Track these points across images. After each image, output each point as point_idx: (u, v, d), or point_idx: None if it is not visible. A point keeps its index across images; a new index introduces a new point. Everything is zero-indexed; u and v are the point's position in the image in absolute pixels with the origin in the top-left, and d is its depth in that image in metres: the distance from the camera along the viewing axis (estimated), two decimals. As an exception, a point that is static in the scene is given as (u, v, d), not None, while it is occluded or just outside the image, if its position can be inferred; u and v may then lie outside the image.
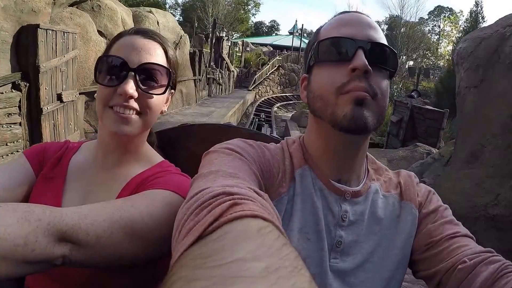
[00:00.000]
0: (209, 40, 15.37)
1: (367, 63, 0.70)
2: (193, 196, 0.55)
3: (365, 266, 0.78)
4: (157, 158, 0.99)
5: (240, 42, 24.99)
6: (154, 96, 0.86)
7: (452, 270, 0.71)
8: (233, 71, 17.83)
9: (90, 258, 0.66)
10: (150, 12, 7.93)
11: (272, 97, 20.66)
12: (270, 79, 21.70)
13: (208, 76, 12.97)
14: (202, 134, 1.26)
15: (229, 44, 18.46)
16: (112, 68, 0.85)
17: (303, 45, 33.57)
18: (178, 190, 0.82)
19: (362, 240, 0.78)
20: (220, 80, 14.99)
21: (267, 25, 63.85)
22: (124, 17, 6.51)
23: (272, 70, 21.98)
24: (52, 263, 0.61)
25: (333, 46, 0.76)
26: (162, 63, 0.87)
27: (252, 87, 19.64)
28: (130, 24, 6.56)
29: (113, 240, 0.68)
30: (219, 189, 0.53)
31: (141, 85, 0.84)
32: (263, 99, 19.54)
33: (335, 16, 0.84)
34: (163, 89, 0.87)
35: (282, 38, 42.97)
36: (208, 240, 0.42)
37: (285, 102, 20.57)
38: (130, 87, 0.82)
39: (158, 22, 7.95)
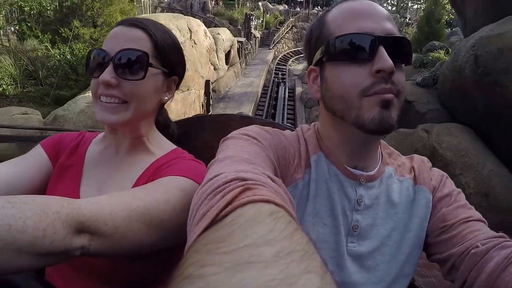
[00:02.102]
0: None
1: (392, 63, 0.69)
2: (208, 181, 0.57)
3: (382, 250, 0.80)
4: (170, 145, 1.03)
5: (261, 7, 30.95)
6: (135, 82, 0.87)
7: (465, 255, 0.72)
8: (257, 36, 24.57)
9: (109, 248, 0.68)
10: (218, 34, 15.13)
11: (287, 53, 27.07)
12: (285, 37, 28.15)
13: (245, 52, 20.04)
14: (216, 124, 1.33)
15: (254, 16, 24.98)
16: (96, 60, 0.89)
17: None
18: (193, 176, 0.85)
19: (378, 223, 0.80)
20: (251, 50, 22.02)
21: None
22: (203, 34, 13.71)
23: (287, 30, 28.46)
24: (71, 254, 0.63)
25: (351, 44, 0.72)
26: (142, 48, 0.88)
27: (272, 46, 26.08)
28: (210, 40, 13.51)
29: (132, 228, 0.70)
30: (232, 175, 0.55)
31: (119, 73, 0.86)
32: (280, 55, 25.95)
33: (342, 3, 0.79)
34: (142, 74, 0.87)
35: None
36: (220, 225, 0.44)
37: (297, 56, 26.96)
38: (107, 75, 0.85)
39: (223, 39, 15.16)
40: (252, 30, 22.51)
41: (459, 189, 0.86)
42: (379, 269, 0.80)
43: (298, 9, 34.42)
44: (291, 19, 29.74)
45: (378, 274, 0.80)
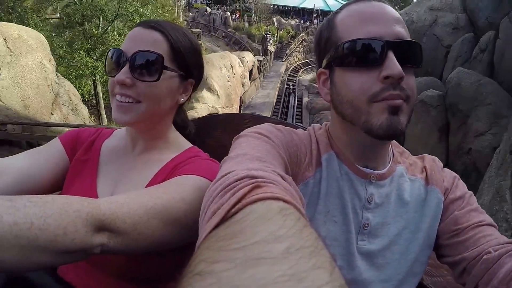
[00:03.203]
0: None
1: (401, 69, 0.69)
2: (219, 179, 0.58)
3: (392, 248, 0.81)
4: (186, 144, 1.04)
5: (275, 22, 35.71)
6: (149, 83, 0.90)
7: (478, 260, 0.73)
8: (272, 51, 29.25)
9: (127, 245, 0.70)
10: (244, 57, 19.85)
11: (297, 64, 31.53)
12: (296, 51, 32.73)
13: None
14: (229, 123, 1.36)
15: (270, 35, 29.67)
16: (114, 60, 0.92)
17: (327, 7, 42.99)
18: (208, 175, 0.87)
19: (389, 222, 0.81)
20: (267, 64, 26.72)
21: None
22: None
23: (298, 44, 33.11)
24: (92, 252, 0.65)
25: (360, 49, 0.73)
26: (159, 50, 0.91)
27: (284, 59, 30.72)
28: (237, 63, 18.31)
29: (149, 226, 0.72)
30: (243, 173, 0.56)
31: (133, 73, 0.88)
32: (292, 67, 30.44)
33: (352, 4, 0.78)
34: (156, 76, 0.90)
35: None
36: (231, 222, 0.45)
37: (306, 67, 31.36)
38: (122, 75, 0.88)
39: (247, 61, 19.89)
40: (268, 47, 27.27)
41: (471, 192, 0.87)
42: (389, 268, 0.80)
43: (308, 23, 38.88)
44: (301, 34, 34.16)
45: (388, 273, 0.80)
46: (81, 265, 0.92)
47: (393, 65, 0.69)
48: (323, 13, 41.53)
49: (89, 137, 1.05)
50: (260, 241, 0.35)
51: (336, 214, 0.80)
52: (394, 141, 0.88)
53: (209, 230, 0.45)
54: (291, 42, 33.17)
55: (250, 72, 20.12)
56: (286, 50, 31.90)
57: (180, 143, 1.04)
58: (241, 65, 16.89)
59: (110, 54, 0.94)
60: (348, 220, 0.79)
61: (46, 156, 0.98)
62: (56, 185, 0.99)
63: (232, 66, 14.63)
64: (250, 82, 20.13)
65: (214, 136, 1.33)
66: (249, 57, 19.99)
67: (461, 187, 0.87)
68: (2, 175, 0.88)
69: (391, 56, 0.70)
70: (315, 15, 40.73)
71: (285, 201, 0.47)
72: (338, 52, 0.75)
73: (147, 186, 0.92)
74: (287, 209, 0.44)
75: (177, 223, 0.77)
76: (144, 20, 0.99)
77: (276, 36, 32.58)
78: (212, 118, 1.44)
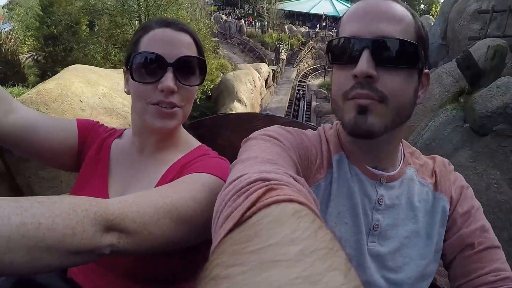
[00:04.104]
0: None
1: (366, 68, 0.70)
2: (231, 182, 0.59)
3: (402, 251, 0.82)
4: (195, 142, 1.06)
5: (287, 29, 39.17)
6: (192, 88, 0.93)
7: None
8: (284, 59, 32.76)
9: (138, 245, 0.69)
10: (261, 68, 23.49)
11: (307, 70, 34.88)
12: (306, 57, 36.12)
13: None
14: (239, 123, 1.37)
15: (282, 45, 33.21)
16: (149, 65, 0.88)
17: (335, 12, 46.28)
18: (218, 172, 0.87)
19: (399, 224, 0.83)
20: (279, 71, 30.27)
21: None
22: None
23: (308, 51, 36.62)
24: (101, 252, 0.64)
25: (340, 47, 0.76)
26: (196, 54, 0.94)
27: (295, 65, 34.07)
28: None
29: (160, 225, 0.71)
30: (255, 175, 0.56)
31: (180, 79, 0.89)
32: (302, 73, 33.76)
33: (355, 3, 0.80)
34: (200, 80, 0.93)
35: (319, 3, 49.91)
36: (245, 226, 0.45)
37: (315, 73, 34.70)
38: (170, 82, 0.87)
39: (263, 71, 23.52)
40: (280, 56, 30.86)
41: (479, 204, 0.88)
42: (400, 271, 0.81)
43: (318, 29, 42.22)
44: (311, 42, 37.52)
45: (399, 276, 0.81)
46: (90, 266, 0.93)
47: (361, 63, 0.70)
48: (333, 18, 44.83)
49: (103, 133, 1.07)
50: (275, 244, 0.35)
51: (347, 215, 0.80)
52: (405, 142, 0.90)
53: (224, 234, 0.45)
54: (302, 49, 36.58)
55: (266, 81, 23.78)
56: (297, 57, 35.27)
57: (189, 142, 1.05)
58: (260, 77, 20.55)
59: (141, 58, 0.90)
60: (358, 221, 0.80)
61: (58, 125, 1.00)
62: (53, 155, 1.01)
63: (254, 81, 18.29)
64: (266, 90, 23.80)
65: (224, 136, 1.35)
66: (264, 68, 23.54)
67: (469, 200, 0.88)
68: (14, 112, 0.92)
69: (364, 54, 0.70)
70: (324, 22, 43.66)
71: (299, 202, 0.47)
72: (327, 50, 0.80)
73: (157, 185, 0.92)
74: (302, 210, 0.44)
75: (188, 222, 0.77)
76: (165, 19, 0.96)
77: (288, 44, 35.90)
78: (222, 118, 1.44)
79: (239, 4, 50.58)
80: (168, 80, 0.87)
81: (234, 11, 48.97)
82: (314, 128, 0.99)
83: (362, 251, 0.80)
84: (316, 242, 0.36)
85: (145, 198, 0.73)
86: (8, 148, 0.99)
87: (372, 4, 0.75)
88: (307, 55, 36.67)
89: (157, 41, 0.91)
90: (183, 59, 0.90)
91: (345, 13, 0.81)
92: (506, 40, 7.66)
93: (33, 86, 12.29)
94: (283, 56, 32.35)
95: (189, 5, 18.42)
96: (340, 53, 0.76)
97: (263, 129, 0.81)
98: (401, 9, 0.75)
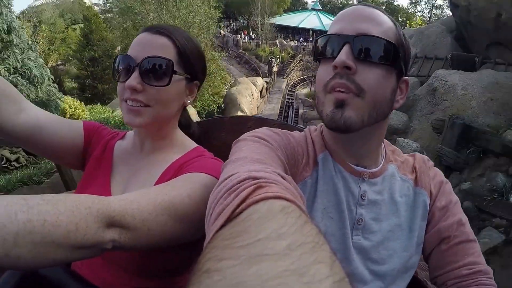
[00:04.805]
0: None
1: (345, 59, 0.75)
2: (222, 181, 0.62)
3: (386, 244, 0.86)
4: (191, 144, 1.11)
5: (278, 44, 43.70)
6: (159, 88, 0.94)
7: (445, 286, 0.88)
8: (275, 71, 37.59)
9: (137, 240, 0.73)
10: (256, 81, 28.34)
11: (296, 81, 39.28)
12: (295, 69, 40.69)
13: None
14: (234, 125, 1.44)
15: (274, 59, 38.14)
16: (123, 66, 0.95)
17: (323, 26, 50.95)
18: (213, 172, 0.91)
19: (382, 218, 0.87)
20: (271, 82, 35.16)
21: None
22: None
23: (296, 63, 41.45)
24: (104, 247, 0.68)
25: (324, 44, 0.82)
26: (167, 55, 0.95)
27: (285, 76, 38.63)
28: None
29: (158, 222, 0.76)
30: (245, 174, 0.59)
31: (145, 79, 0.93)
32: (291, 83, 38.15)
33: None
34: (166, 81, 0.94)
35: (307, 17, 52.80)
36: (235, 222, 0.47)
37: (303, 83, 39.04)
38: (133, 81, 0.91)
39: (259, 84, 28.35)
40: (273, 69, 35.83)
41: (457, 199, 0.94)
42: (383, 263, 0.85)
43: (305, 43, 46.59)
44: (299, 55, 42.21)
45: (382, 268, 0.85)
46: (95, 261, 0.96)
47: (340, 55, 0.75)
48: (320, 32, 49.11)
49: (107, 136, 1.13)
50: (264, 238, 0.37)
51: (332, 210, 0.84)
52: (386, 140, 0.93)
53: (215, 230, 0.47)
54: (291, 62, 41.28)
55: (261, 92, 28.69)
56: (287, 68, 39.93)
57: (186, 144, 1.10)
58: (256, 90, 25.23)
59: (118, 60, 0.97)
60: (343, 216, 0.84)
61: (65, 126, 1.05)
62: (59, 153, 1.06)
63: (252, 94, 23.05)
64: (261, 99, 28.73)
65: (219, 137, 1.40)
66: (260, 81, 28.24)
67: (447, 194, 0.94)
68: (24, 112, 0.97)
69: (344, 49, 0.75)
70: (311, 37, 48.16)
71: (286, 199, 0.49)
72: (314, 47, 0.86)
73: (155, 184, 0.97)
74: (289, 207, 0.46)
75: (185, 219, 0.80)
76: (150, 25, 1.02)
77: (279, 57, 40.61)
78: (218, 121, 1.49)
79: (234, 17, 54.73)
80: (131, 79, 0.92)
81: (230, 23, 53.13)
82: (301, 130, 1.02)
83: (347, 244, 0.83)
84: (303, 236, 0.38)
85: (144, 196, 0.77)
86: (18, 145, 1.14)
87: (357, 9, 0.81)
88: (296, 67, 41.42)
89: (133, 44, 0.97)
90: (147, 59, 0.93)
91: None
92: (418, 78, 12.02)
93: (79, 97, 16.70)
94: (275, 68, 37.13)
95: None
96: (323, 49, 0.81)
97: (252, 131, 0.85)
98: (383, 16, 0.81)
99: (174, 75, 0.97)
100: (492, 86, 8.63)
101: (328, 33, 0.82)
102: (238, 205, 0.50)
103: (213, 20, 20.75)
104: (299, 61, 42.34)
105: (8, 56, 10.24)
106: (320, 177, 0.86)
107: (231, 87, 24.42)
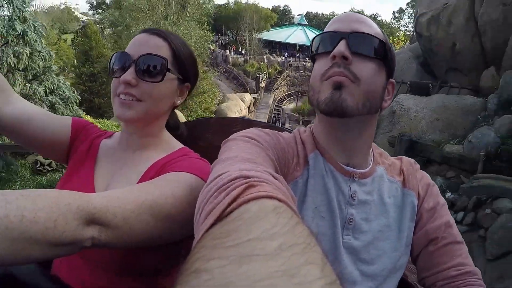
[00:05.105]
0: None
1: (343, 50, 0.80)
2: (212, 180, 0.61)
3: (376, 244, 0.87)
4: (178, 144, 1.12)
5: (265, 59, 44.88)
6: (152, 83, 0.97)
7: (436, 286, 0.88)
8: (263, 86, 39.08)
9: (118, 239, 0.72)
10: (244, 97, 29.90)
11: (282, 96, 40.67)
12: (282, 84, 41.96)
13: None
14: (220, 127, 1.45)
15: (261, 75, 39.57)
16: (119, 62, 0.99)
17: (308, 42, 51.96)
18: (199, 172, 0.91)
19: (372, 218, 0.88)
20: (259, 97, 36.65)
21: (281, 9, 72.76)
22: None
23: (283, 79, 42.75)
24: (83, 245, 0.67)
25: (321, 40, 0.88)
26: (162, 55, 0.99)
27: (272, 92, 39.83)
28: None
29: (140, 221, 0.75)
30: (236, 173, 0.59)
31: (140, 74, 0.96)
32: (278, 98, 39.43)
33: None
34: (159, 77, 0.98)
35: (293, 32, 54.23)
36: (226, 221, 0.47)
37: (289, 98, 40.43)
38: (128, 75, 0.94)
39: (247, 100, 30.00)
40: (260, 85, 37.45)
41: (444, 201, 0.96)
42: (373, 263, 0.86)
43: (291, 59, 47.49)
44: (286, 71, 43.48)
45: (372, 268, 0.86)
46: (74, 261, 0.95)
47: (338, 47, 0.81)
48: (307, 47, 49.10)
49: (95, 133, 1.14)
50: (254, 238, 0.37)
51: (323, 210, 0.84)
52: (374, 144, 0.97)
53: (205, 229, 0.47)
54: (278, 77, 42.55)
55: (249, 107, 30.40)
56: (274, 84, 41.23)
57: (172, 144, 1.11)
58: (244, 106, 26.68)
59: (115, 57, 1.01)
60: (334, 215, 0.84)
61: (52, 120, 1.07)
62: (45, 146, 1.08)
63: (240, 110, 24.67)
64: (249, 115, 30.30)
65: (205, 139, 1.40)
66: (248, 97, 29.87)
67: (435, 196, 0.96)
68: (12, 104, 1.00)
69: (341, 43, 0.82)
70: (298, 53, 49.61)
71: (278, 199, 0.49)
72: (311, 46, 0.91)
73: (139, 182, 0.97)
74: (280, 207, 0.46)
75: (168, 219, 0.80)
76: (147, 27, 1.09)
77: (266, 73, 41.85)
78: (204, 122, 1.49)
79: (223, 31, 55.63)
80: (127, 74, 0.95)
81: (219, 38, 53.88)
82: (289, 132, 1.03)
83: (337, 244, 0.84)
84: (294, 237, 0.37)
85: (127, 194, 0.76)
86: (5, 136, 1.14)
87: (350, 13, 0.90)
88: (283, 82, 42.78)
89: (131, 43, 1.02)
90: (143, 57, 0.97)
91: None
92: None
93: (87, 112, 18.08)
94: (262, 84, 38.45)
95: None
96: (321, 44, 0.87)
97: (242, 131, 0.85)
98: (373, 22, 0.90)
99: (167, 73, 1.00)
100: (440, 108, 10.57)
101: (323, 31, 0.89)
102: (229, 204, 0.50)
103: (207, 42, 22.42)
104: (286, 77, 43.71)
105: (47, 79, 12.66)
106: (310, 176, 0.87)
107: (220, 103, 26.01)
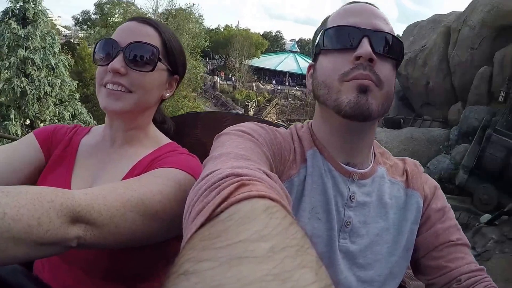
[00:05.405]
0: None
1: (371, 51, 0.76)
2: (203, 178, 0.59)
3: (373, 248, 0.85)
4: (165, 139, 1.08)
5: (255, 87, 44.84)
6: (142, 73, 0.94)
7: (447, 287, 0.84)
8: (251, 115, 39.15)
9: (104, 238, 0.70)
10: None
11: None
12: (271, 113, 41.70)
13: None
14: (210, 122, 1.38)
15: (250, 103, 39.58)
16: (106, 49, 0.95)
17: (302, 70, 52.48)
18: (187, 168, 0.89)
19: (370, 221, 0.85)
20: None
21: (273, 35, 73.01)
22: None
23: (272, 107, 42.68)
24: (68, 244, 0.65)
25: (338, 34, 0.81)
26: (158, 44, 0.96)
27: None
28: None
29: (126, 219, 0.72)
30: (228, 171, 0.57)
31: (129, 63, 0.92)
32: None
33: (342, 6, 0.89)
34: (151, 67, 0.94)
35: (284, 60, 52.97)
36: (216, 221, 0.45)
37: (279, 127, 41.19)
38: (117, 63, 0.90)
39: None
40: (249, 113, 37.46)
41: (449, 205, 0.93)
42: (370, 268, 0.84)
43: (280, 87, 47.23)
44: (275, 100, 43.54)
45: (369, 274, 0.84)
46: (56, 263, 0.93)
47: (365, 47, 0.76)
48: (297, 75, 49.83)
49: (66, 135, 1.07)
50: (245, 240, 0.36)
51: (320, 211, 0.82)
52: (375, 142, 0.94)
53: (194, 230, 0.46)
54: (267, 105, 42.55)
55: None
56: (263, 112, 41.00)
57: (159, 138, 1.08)
58: None
59: (100, 43, 0.97)
60: (331, 217, 0.82)
61: (21, 152, 0.98)
62: (31, 182, 0.99)
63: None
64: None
65: (194, 134, 1.36)
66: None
67: (441, 198, 0.93)
68: None
69: (365, 41, 0.77)
70: (287, 81, 49.28)
71: (271, 199, 0.48)
72: (320, 39, 0.85)
73: (123, 179, 0.93)
74: (273, 207, 0.45)
75: (155, 217, 0.78)
76: (136, 16, 1.05)
77: (255, 101, 41.94)
78: (193, 116, 1.46)
79: (211, 55, 55.04)
80: (115, 61, 0.91)
81: (207, 62, 52.92)
82: (285, 128, 0.99)
83: (333, 247, 0.82)
84: (287, 239, 0.36)
85: (112, 191, 0.73)
86: None
87: (365, 5, 0.85)
88: (272, 111, 42.89)
89: (119, 30, 0.98)
90: (133, 45, 0.93)
91: (331, 15, 0.91)
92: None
93: None
94: (251, 112, 38.64)
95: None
96: (336, 39, 0.82)
97: (236, 124, 0.83)
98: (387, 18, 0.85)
99: (158, 62, 0.97)
100: (407, 139, 11.99)
101: (340, 24, 0.83)
102: (219, 204, 0.48)
103: (199, 75, 22.48)
104: (275, 105, 43.73)
105: (71, 106, 16.09)
106: (308, 175, 0.84)
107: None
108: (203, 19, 37.51)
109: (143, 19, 1.01)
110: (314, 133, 0.91)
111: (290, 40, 71.28)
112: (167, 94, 1.07)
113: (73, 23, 55.48)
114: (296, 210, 0.82)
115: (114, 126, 1.03)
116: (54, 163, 1.02)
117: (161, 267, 0.99)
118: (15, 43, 15.14)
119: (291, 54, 56.02)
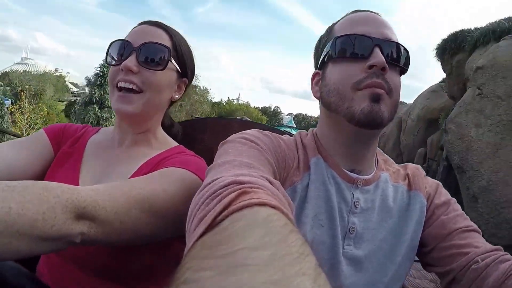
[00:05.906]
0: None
1: (384, 60, 0.78)
2: (206, 185, 0.59)
3: (378, 253, 0.85)
4: (173, 142, 1.10)
5: None
6: (154, 72, 0.96)
7: (466, 269, 0.80)
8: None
9: (108, 235, 0.70)
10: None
11: None
12: None
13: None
14: (217, 128, 1.40)
15: None
16: (119, 50, 0.98)
17: None
18: (194, 169, 0.89)
19: (374, 227, 0.85)
20: None
21: (271, 110, 75.96)
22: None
23: None
24: (72, 240, 0.64)
25: (350, 43, 0.82)
26: (168, 45, 0.99)
27: None
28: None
29: (131, 216, 0.72)
30: (230, 179, 0.56)
31: (140, 61, 0.94)
32: None
33: (347, 14, 0.91)
34: (162, 66, 0.97)
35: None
36: (217, 230, 0.45)
37: None
38: (129, 62, 0.93)
39: None
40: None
41: (454, 198, 0.93)
42: (374, 272, 0.84)
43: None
44: None
45: (374, 276, 0.84)
46: (58, 263, 0.93)
47: (378, 56, 0.78)
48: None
49: (76, 133, 1.09)
50: (245, 248, 0.35)
51: (323, 218, 0.81)
52: (378, 149, 0.94)
53: (196, 238, 0.46)
54: None
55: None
56: None
57: (168, 141, 1.09)
58: None
59: (114, 45, 1.00)
60: (335, 224, 0.81)
61: (32, 148, 1.00)
62: (41, 177, 1.00)
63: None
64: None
65: (201, 140, 1.37)
66: None
67: (444, 193, 0.93)
68: None
69: (377, 50, 0.79)
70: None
71: (272, 206, 0.47)
72: (332, 47, 0.85)
73: (131, 178, 0.93)
74: (274, 215, 0.45)
75: (159, 215, 0.78)
76: (147, 20, 1.07)
77: None
78: (201, 122, 1.46)
79: None
80: (128, 60, 0.93)
81: None
82: (290, 135, 0.99)
83: (337, 254, 0.81)
84: (287, 247, 0.36)
85: (117, 188, 0.73)
86: None
87: (372, 14, 0.87)
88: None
89: (131, 33, 1.01)
90: (146, 45, 0.96)
91: (336, 23, 0.92)
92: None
93: None
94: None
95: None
96: (350, 48, 0.82)
97: (240, 132, 0.83)
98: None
99: (169, 62, 1.00)
100: None
101: (349, 33, 0.84)
102: (220, 212, 0.48)
103: None
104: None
105: None
106: (311, 182, 0.84)
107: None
108: (208, 91, 41.17)
109: (154, 22, 1.04)
110: (319, 140, 0.92)
111: (287, 114, 75.12)
112: (176, 96, 1.09)
113: (85, 83, 58.67)
114: (298, 217, 0.82)
115: (124, 128, 1.05)
116: (61, 160, 1.03)
117: (161, 270, 0.99)
118: (96, 121, 20.97)
119: (288, 129, 58.25)
